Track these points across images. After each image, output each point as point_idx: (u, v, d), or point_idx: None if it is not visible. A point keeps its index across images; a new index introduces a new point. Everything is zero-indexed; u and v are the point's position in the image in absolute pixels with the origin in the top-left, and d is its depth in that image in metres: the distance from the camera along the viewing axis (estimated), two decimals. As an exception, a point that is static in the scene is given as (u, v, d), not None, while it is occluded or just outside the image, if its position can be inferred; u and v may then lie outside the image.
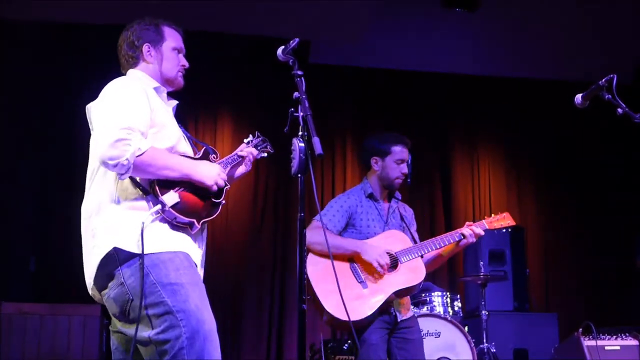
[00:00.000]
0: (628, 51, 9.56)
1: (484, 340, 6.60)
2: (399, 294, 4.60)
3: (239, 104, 9.27)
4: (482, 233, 4.85)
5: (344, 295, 4.39)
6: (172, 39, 3.49)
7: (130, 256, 3.02)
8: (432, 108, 9.92)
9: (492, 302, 7.53)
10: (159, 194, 3.08)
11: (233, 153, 3.62)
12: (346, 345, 6.57)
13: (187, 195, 3.16)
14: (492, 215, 5.11)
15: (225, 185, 3.31)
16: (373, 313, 4.50)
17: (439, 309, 6.80)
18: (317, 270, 4.55)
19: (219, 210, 3.28)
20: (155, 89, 3.36)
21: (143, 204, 3.10)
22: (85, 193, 3.25)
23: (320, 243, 4.52)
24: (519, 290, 8.31)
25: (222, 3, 8.37)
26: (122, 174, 2.99)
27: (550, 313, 8.49)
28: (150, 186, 3.11)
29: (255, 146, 3.75)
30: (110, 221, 3.08)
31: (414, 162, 5.10)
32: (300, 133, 3.09)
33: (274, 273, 8.92)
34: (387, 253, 4.61)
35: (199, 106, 8.97)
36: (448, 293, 6.98)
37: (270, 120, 8.91)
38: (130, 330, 3.08)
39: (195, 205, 3.18)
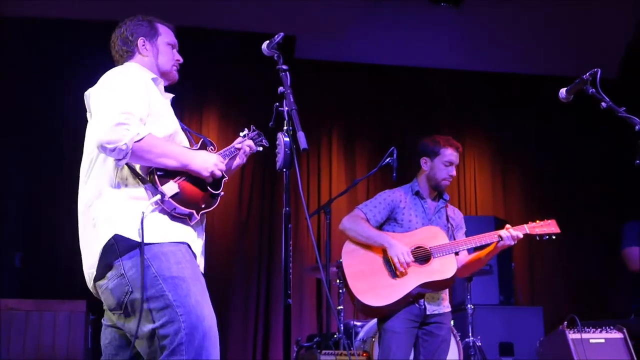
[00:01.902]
0: (612, 45, 9.60)
1: (470, 334, 6.62)
2: (427, 286, 4.69)
3: (225, 99, 9.27)
4: (521, 236, 4.83)
5: (374, 282, 4.67)
6: (165, 34, 3.52)
7: (132, 246, 3.01)
8: (417, 102, 9.93)
9: (478, 296, 7.55)
10: (159, 184, 3.07)
11: (230, 145, 3.63)
12: (332, 340, 6.58)
13: (186, 186, 3.16)
14: (537, 221, 5.04)
15: (223, 176, 3.32)
16: (397, 301, 4.61)
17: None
18: (352, 256, 4.78)
19: (217, 202, 3.29)
20: (153, 79, 3.37)
21: (143, 193, 3.09)
22: (82, 183, 3.23)
23: (354, 230, 4.81)
24: (504, 284, 8.33)
25: (208, -1, 8.37)
26: (120, 160, 2.99)
27: (536, 307, 8.51)
28: (150, 176, 3.10)
29: (252, 139, 3.75)
30: (111, 209, 3.06)
31: (399, 156, 5.15)
32: (285, 128, 3.09)
33: (260, 268, 8.92)
34: (421, 247, 4.73)
35: (185, 100, 8.95)
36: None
37: (255, 114, 8.93)
38: (127, 324, 3.07)
39: (194, 196, 3.19)
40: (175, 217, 3.12)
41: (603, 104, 3.57)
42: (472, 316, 6.72)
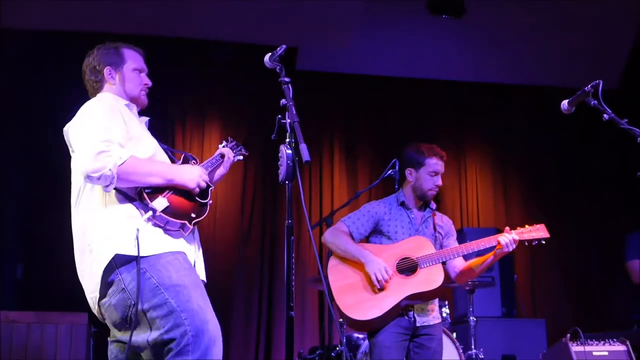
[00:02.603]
0: (614, 56, 9.61)
1: (472, 347, 6.60)
2: (413, 298, 4.64)
3: (227, 111, 9.28)
4: (517, 239, 4.78)
5: (360, 296, 4.60)
6: (132, 60, 3.59)
7: (128, 260, 3.07)
8: (419, 114, 9.94)
9: (480, 308, 7.53)
10: (148, 200, 3.15)
11: (212, 157, 3.73)
12: (334, 352, 6.56)
13: (175, 199, 3.24)
14: (525, 226, 4.96)
15: (209, 186, 3.40)
16: (385, 314, 4.55)
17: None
18: (337, 270, 4.71)
19: (207, 210, 3.37)
20: (127, 105, 3.46)
21: (134, 212, 3.16)
22: (73, 213, 3.31)
23: (333, 243, 4.77)
24: (506, 296, 8.32)
25: (210, 11, 8.36)
26: (107, 186, 3.08)
27: (538, 319, 8.50)
28: (139, 195, 3.18)
29: (230, 149, 3.87)
30: (106, 232, 3.13)
31: (401, 167, 5.11)
32: (287, 140, 3.10)
33: (262, 279, 8.91)
34: (407, 258, 4.68)
35: (187, 112, 8.98)
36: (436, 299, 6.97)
37: (257, 127, 8.95)
38: (135, 337, 3.11)
39: (184, 208, 3.26)
40: (168, 230, 3.20)
41: (605, 115, 3.57)
42: (475, 328, 6.69)
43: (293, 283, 3.01)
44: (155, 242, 3.12)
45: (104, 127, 3.15)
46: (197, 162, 3.55)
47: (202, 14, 8.37)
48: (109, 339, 3.35)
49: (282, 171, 3.07)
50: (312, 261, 8.95)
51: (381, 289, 4.58)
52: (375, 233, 4.87)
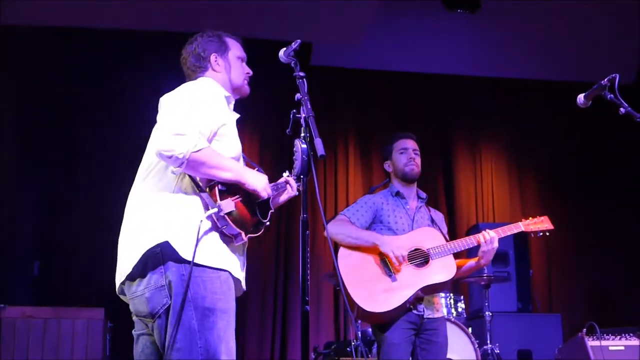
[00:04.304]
0: (629, 50, 9.56)
1: (488, 342, 6.59)
2: (428, 289, 4.61)
3: (242, 107, 9.26)
4: (496, 237, 4.77)
5: (373, 287, 4.52)
6: (235, 48, 3.61)
7: (178, 260, 3.04)
8: (434, 109, 9.93)
9: (496, 303, 7.52)
10: (218, 197, 3.10)
11: (279, 181, 3.68)
12: (350, 347, 6.56)
13: (241, 207, 3.19)
14: (530, 218, 5.04)
15: (270, 208, 3.37)
16: (399, 306, 4.50)
17: (443, 310, 6.79)
18: (347, 262, 4.63)
19: (262, 230, 3.31)
20: (227, 98, 3.47)
21: (199, 205, 3.12)
22: (137, 182, 3.27)
23: (342, 233, 4.68)
24: (522, 291, 8.30)
25: (224, 7, 8.37)
26: (176, 168, 3.04)
27: (554, 314, 8.48)
28: (210, 189, 3.14)
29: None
30: (166, 215, 3.10)
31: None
32: (302, 134, 3.10)
33: (277, 275, 8.93)
34: (418, 249, 4.64)
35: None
36: (451, 294, 6.97)
37: (272, 122, 8.96)
38: (157, 329, 3.10)
39: (245, 219, 3.21)
40: (224, 235, 3.15)
41: (621, 109, 3.55)
42: (490, 323, 6.68)
43: (308, 277, 3.01)
44: (206, 251, 3.08)
45: (190, 111, 3.12)
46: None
47: (215, 11, 8.38)
48: (133, 332, 3.29)
49: (297, 166, 3.07)
50: (327, 256, 8.95)
51: (396, 279, 4.54)
52: (374, 224, 4.83)
